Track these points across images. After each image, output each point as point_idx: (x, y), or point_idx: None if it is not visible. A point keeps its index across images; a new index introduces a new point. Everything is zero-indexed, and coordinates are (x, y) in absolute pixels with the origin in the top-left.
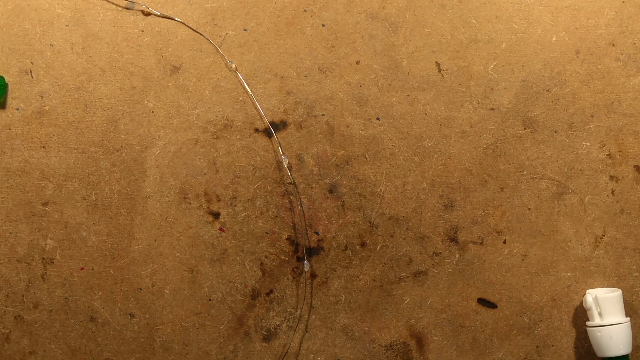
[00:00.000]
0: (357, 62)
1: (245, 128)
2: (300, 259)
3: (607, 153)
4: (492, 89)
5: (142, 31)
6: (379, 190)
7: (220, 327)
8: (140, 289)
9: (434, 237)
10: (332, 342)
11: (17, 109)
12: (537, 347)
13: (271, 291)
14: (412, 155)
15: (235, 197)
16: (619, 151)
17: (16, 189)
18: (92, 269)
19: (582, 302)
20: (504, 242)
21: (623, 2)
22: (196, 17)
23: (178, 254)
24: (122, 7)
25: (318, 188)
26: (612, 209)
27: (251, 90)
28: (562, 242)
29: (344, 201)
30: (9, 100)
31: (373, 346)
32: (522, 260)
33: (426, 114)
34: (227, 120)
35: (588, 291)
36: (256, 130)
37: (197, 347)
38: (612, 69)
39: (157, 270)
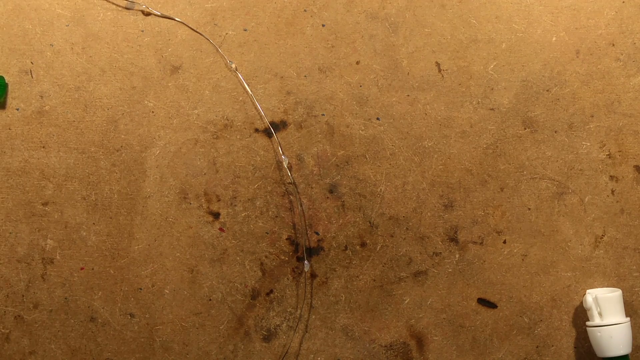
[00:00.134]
0: (357, 62)
1: (245, 128)
2: (300, 259)
3: (607, 153)
4: (492, 89)
5: (142, 31)
6: (379, 190)
7: (220, 327)
8: (140, 289)
9: (434, 237)
10: (332, 342)
11: (17, 109)
12: (537, 347)
13: (271, 291)
14: (412, 155)
15: (235, 197)
16: (619, 151)
17: (16, 189)
18: (92, 269)
19: (582, 302)
20: (504, 242)
21: (623, 2)
22: (196, 17)
23: (178, 254)
24: (122, 7)
25: (318, 188)
26: (612, 209)
27: (251, 90)
28: (562, 242)
29: (344, 201)
30: (9, 100)
31: (373, 346)
32: (522, 260)
33: (426, 114)
34: (227, 120)
35: (588, 291)
36: (256, 130)
37: (197, 347)
38: (612, 69)
39: (157, 270)
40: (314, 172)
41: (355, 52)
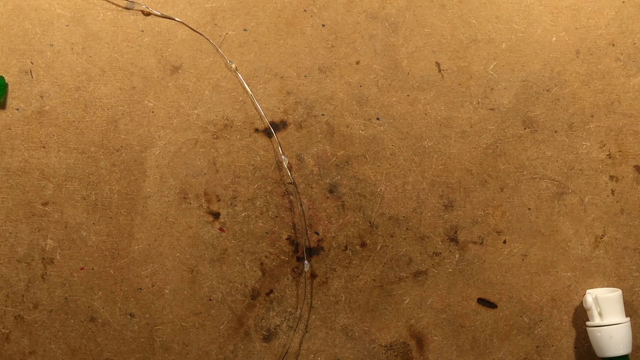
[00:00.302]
0: (357, 62)
1: (245, 128)
2: (300, 259)
3: (607, 153)
4: (492, 89)
5: (142, 31)
6: (379, 190)
7: (220, 327)
8: (140, 289)
9: (434, 237)
10: (332, 342)
11: (17, 109)
12: (537, 347)
13: (271, 291)
14: (412, 155)
15: (235, 197)
16: (619, 151)
17: (16, 189)
18: (92, 269)
19: (582, 302)
20: (504, 242)
21: (623, 2)
22: (196, 17)
23: (178, 254)
24: (122, 7)
25: (318, 188)
26: (612, 209)
27: (251, 90)
28: (562, 242)
29: (344, 201)
30: (9, 100)
31: (373, 346)
32: (522, 260)
33: (426, 114)
34: (227, 120)
35: (588, 291)
36: (256, 130)
37: (197, 347)
38: (612, 69)
39: (157, 270)
40: (314, 172)
41: (355, 52)
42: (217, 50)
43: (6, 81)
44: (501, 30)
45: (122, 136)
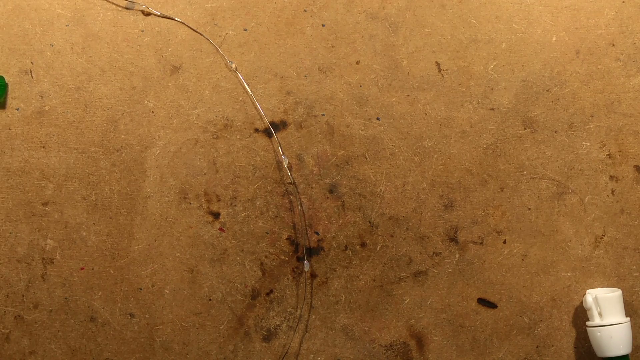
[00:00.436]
0: (357, 62)
1: (245, 128)
2: (300, 259)
3: (607, 153)
4: (492, 89)
5: (142, 31)
6: (379, 190)
7: (220, 327)
8: (140, 289)
9: (434, 237)
10: (332, 342)
11: (17, 109)
12: (537, 347)
13: (271, 291)
14: (412, 155)
15: (235, 197)
16: (619, 151)
17: (16, 189)
18: (92, 269)
19: (582, 302)
20: (504, 242)
21: (623, 2)
22: (196, 17)
23: (178, 254)
24: (122, 7)
25: (318, 188)
26: (612, 209)
27: (251, 90)
28: (562, 242)
29: (344, 201)
30: (9, 100)
31: (373, 346)
32: (522, 260)
33: (426, 114)
34: (227, 120)
35: (588, 291)
36: (256, 130)
37: (197, 347)
38: (612, 69)
39: (157, 270)
40: (314, 172)
41: (355, 52)
42: (217, 50)
43: (6, 81)
44: (501, 30)
45: (122, 136)
